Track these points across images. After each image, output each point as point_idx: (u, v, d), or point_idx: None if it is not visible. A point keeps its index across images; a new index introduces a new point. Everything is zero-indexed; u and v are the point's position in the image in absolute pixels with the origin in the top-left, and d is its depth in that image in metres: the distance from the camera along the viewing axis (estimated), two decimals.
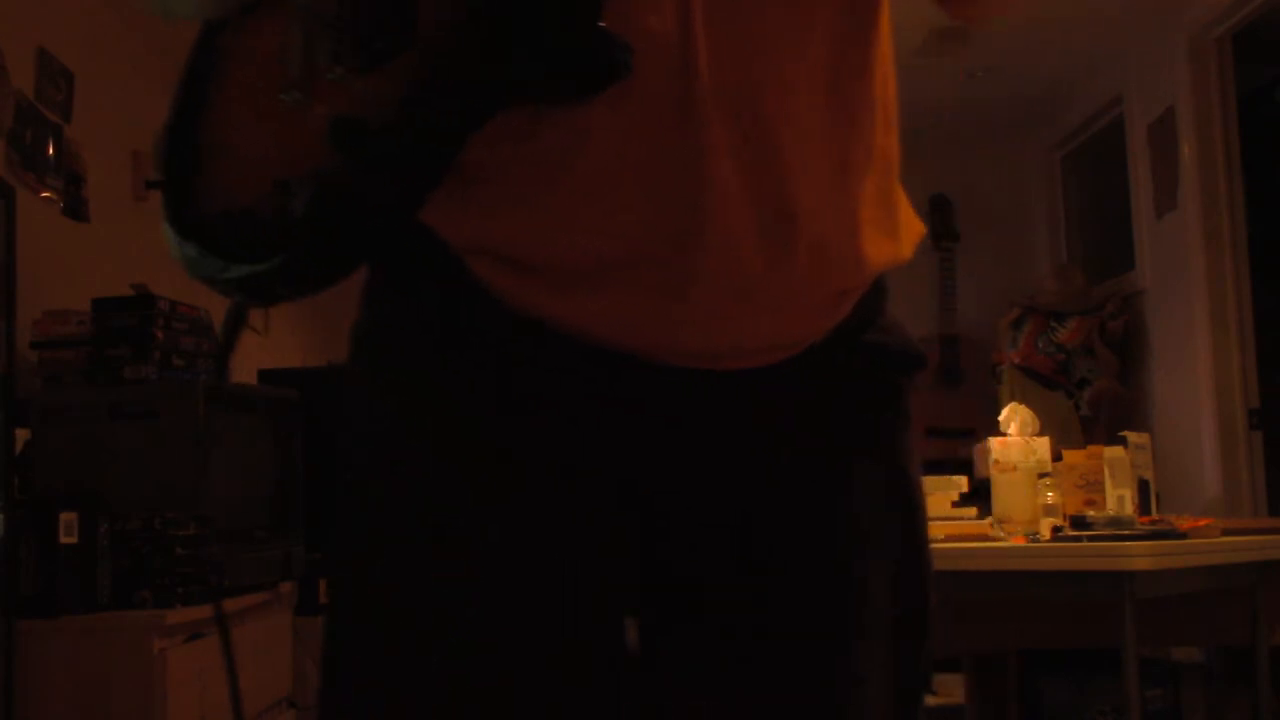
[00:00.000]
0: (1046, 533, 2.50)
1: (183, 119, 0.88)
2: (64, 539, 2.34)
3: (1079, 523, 2.44)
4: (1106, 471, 2.61)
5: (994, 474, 2.61)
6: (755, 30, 0.81)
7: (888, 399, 0.93)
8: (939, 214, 5.59)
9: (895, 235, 0.92)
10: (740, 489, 0.86)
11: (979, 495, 2.80)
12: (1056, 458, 2.66)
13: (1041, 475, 2.59)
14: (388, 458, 0.86)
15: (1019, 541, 2.50)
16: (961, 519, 2.77)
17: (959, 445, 5.06)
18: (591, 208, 0.80)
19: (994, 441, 2.63)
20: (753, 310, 0.83)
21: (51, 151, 3.11)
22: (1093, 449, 2.70)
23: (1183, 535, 2.40)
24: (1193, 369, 4.22)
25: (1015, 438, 2.62)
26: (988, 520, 2.66)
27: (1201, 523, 2.51)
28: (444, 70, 0.76)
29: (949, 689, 4.42)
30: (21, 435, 2.54)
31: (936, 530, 2.64)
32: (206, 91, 0.87)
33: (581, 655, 0.84)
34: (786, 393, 0.87)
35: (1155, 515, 2.59)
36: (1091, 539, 2.38)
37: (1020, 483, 2.58)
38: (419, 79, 0.76)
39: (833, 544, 0.88)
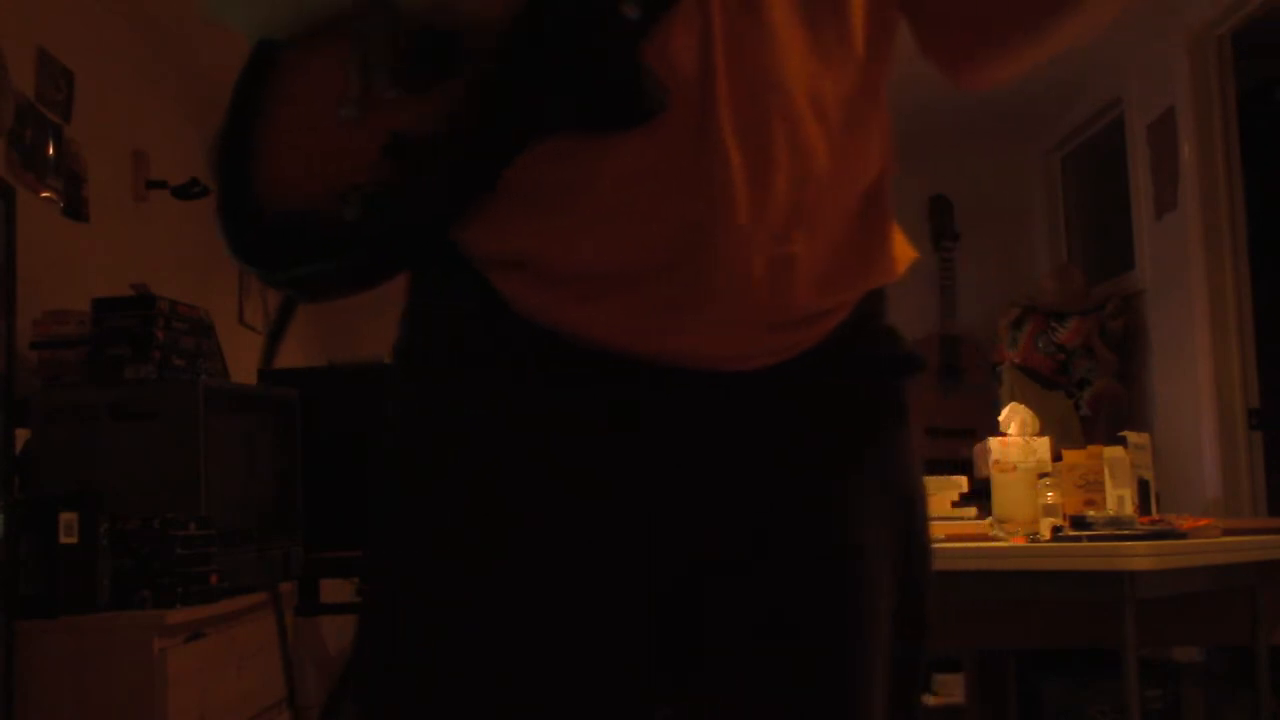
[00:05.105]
0: (1046, 533, 2.50)
1: (239, 125, 0.93)
2: (64, 539, 2.34)
3: (1079, 523, 2.44)
4: (1106, 471, 2.61)
5: (994, 474, 2.61)
6: (771, 65, 0.86)
7: (886, 399, 0.97)
8: (939, 214, 5.58)
9: (889, 256, 0.97)
10: (751, 488, 0.90)
11: (979, 495, 2.80)
12: (1056, 458, 2.66)
13: (1041, 475, 2.59)
14: (420, 475, 0.91)
15: (1019, 541, 2.50)
16: (961, 519, 2.77)
17: (959, 445, 5.06)
18: (609, 224, 0.85)
19: (994, 441, 2.63)
20: (756, 322, 0.88)
21: (51, 151, 3.11)
22: (1093, 449, 2.69)
23: (1183, 535, 2.40)
24: (1193, 369, 4.22)
25: (1015, 438, 2.62)
26: (988, 520, 2.66)
27: (1201, 523, 2.51)
28: (487, 99, 0.84)
29: (949, 689, 4.41)
30: (21, 435, 2.54)
31: (936, 530, 2.63)
32: (262, 100, 0.93)
33: (608, 662, 0.88)
34: (789, 393, 0.91)
35: (1155, 515, 2.59)
36: (1091, 539, 2.38)
37: (1020, 483, 2.58)
38: (465, 106, 0.84)
39: (838, 547, 0.91)
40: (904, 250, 0.99)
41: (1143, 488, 2.67)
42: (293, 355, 4.37)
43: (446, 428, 0.90)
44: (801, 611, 0.90)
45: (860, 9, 0.91)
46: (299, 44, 0.93)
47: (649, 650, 0.89)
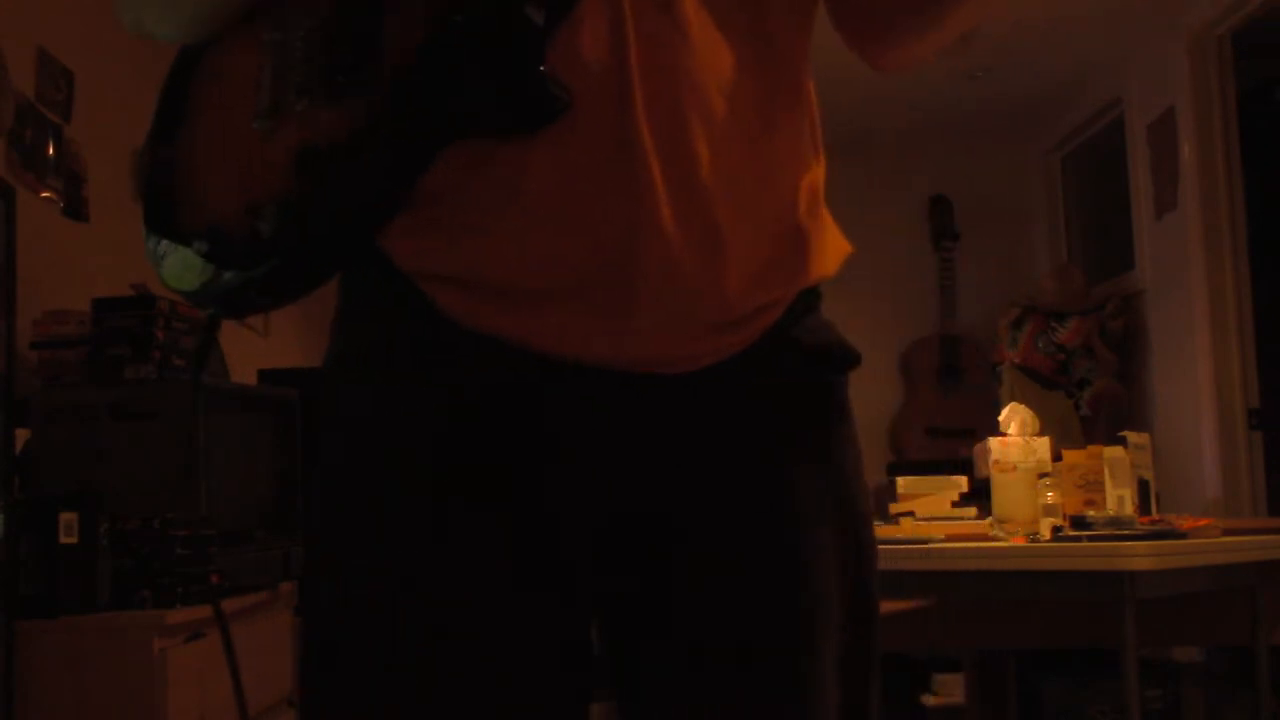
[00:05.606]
0: (1046, 533, 2.50)
1: (163, 136, 0.93)
2: (64, 539, 2.34)
3: (1079, 523, 2.44)
4: (1106, 471, 2.61)
5: (994, 474, 2.61)
6: (687, 64, 0.86)
7: (824, 396, 0.97)
8: (939, 214, 5.59)
9: (822, 253, 0.97)
10: (693, 489, 0.91)
11: (979, 495, 2.80)
12: (1056, 458, 2.65)
13: (1041, 475, 2.59)
14: (355, 479, 0.91)
15: (1019, 541, 2.49)
16: (961, 519, 2.77)
17: (959, 445, 5.06)
18: (535, 234, 0.85)
19: (994, 441, 2.63)
20: (690, 324, 0.88)
21: (51, 151, 3.11)
22: (1093, 449, 2.69)
23: (1183, 535, 2.40)
24: (1193, 369, 4.23)
25: (1015, 438, 2.62)
26: (988, 520, 2.66)
27: (1201, 523, 2.51)
28: (397, 106, 0.83)
29: (949, 689, 4.42)
30: (21, 435, 2.54)
31: (936, 530, 2.64)
32: (185, 110, 0.93)
33: (550, 656, 0.89)
34: (728, 393, 0.92)
35: (1155, 515, 2.59)
36: (1091, 539, 2.38)
37: (1020, 483, 2.58)
38: (376, 113, 0.83)
39: (781, 541, 0.92)
40: (838, 246, 0.99)
41: (1143, 488, 2.67)
42: (292, 355, 4.37)
43: (393, 436, 0.90)
44: (750, 611, 0.90)
45: (775, 5, 0.92)
46: (215, 53, 0.93)
47: (589, 646, 0.91)
